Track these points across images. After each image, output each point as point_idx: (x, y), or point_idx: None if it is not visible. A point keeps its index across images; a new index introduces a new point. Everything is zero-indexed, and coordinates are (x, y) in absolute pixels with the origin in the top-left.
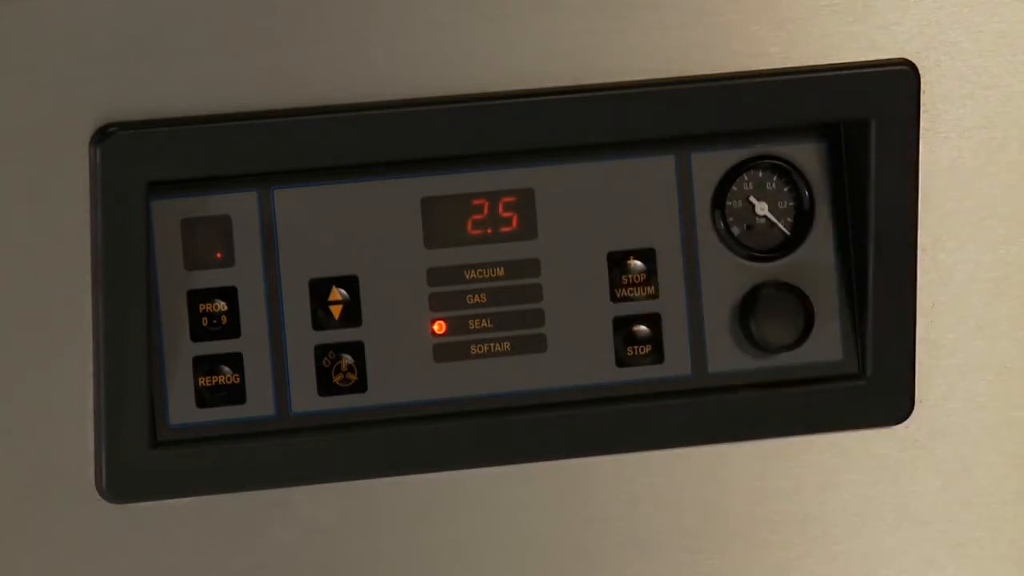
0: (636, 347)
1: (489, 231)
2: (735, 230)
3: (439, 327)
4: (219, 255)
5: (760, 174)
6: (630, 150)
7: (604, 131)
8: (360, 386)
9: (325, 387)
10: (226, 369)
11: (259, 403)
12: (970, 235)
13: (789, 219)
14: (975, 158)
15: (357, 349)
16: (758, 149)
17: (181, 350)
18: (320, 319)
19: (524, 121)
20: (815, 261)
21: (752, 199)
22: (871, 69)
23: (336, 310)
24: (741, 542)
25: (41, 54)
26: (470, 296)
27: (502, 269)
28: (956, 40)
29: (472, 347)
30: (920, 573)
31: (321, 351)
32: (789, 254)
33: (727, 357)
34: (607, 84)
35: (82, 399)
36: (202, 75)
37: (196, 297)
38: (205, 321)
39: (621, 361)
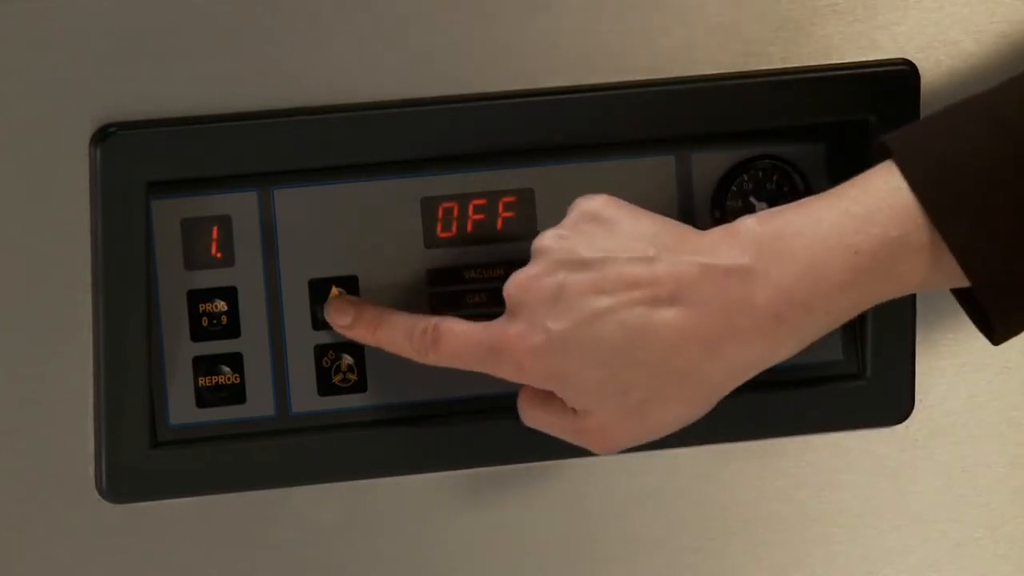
0: None
1: (489, 231)
2: None
3: None
4: (219, 255)
5: (760, 174)
6: (630, 150)
7: (604, 131)
8: (360, 386)
9: (325, 387)
10: (226, 369)
11: (259, 403)
12: None
13: None
14: None
15: (357, 349)
16: (758, 149)
17: (181, 350)
18: (320, 319)
19: (524, 121)
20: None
21: (752, 199)
22: (871, 69)
23: None
24: (741, 542)
25: (41, 54)
26: (470, 296)
27: (502, 269)
28: (956, 40)
29: None
30: (920, 573)
31: (321, 351)
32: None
33: None
34: (607, 84)
35: (82, 399)
36: (202, 75)
37: (196, 297)
38: (205, 321)
39: None
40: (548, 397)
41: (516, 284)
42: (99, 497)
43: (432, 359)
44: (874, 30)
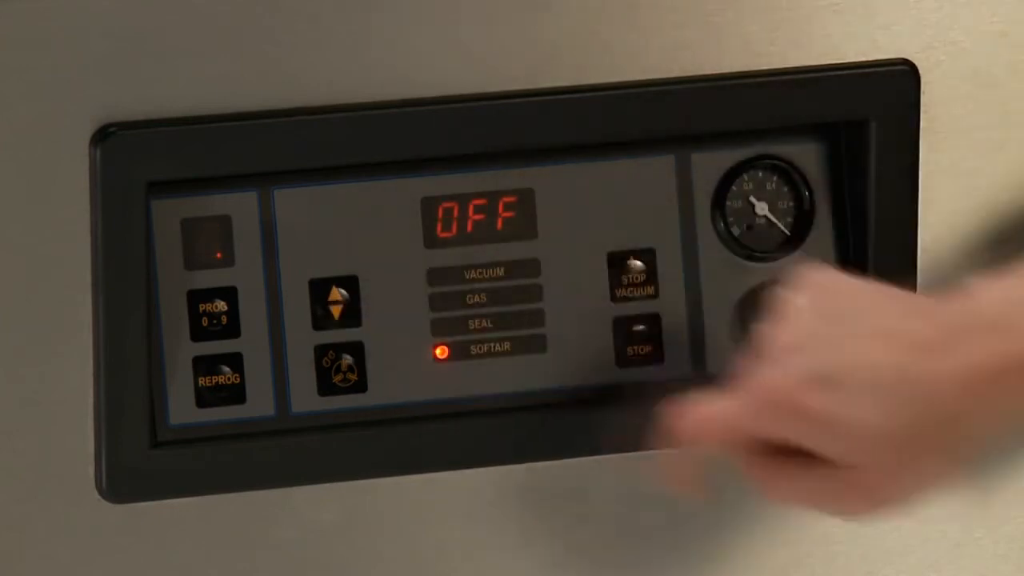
0: (636, 347)
1: (489, 231)
2: (735, 230)
3: (439, 327)
4: (219, 255)
5: (760, 174)
6: (630, 150)
7: (604, 131)
8: (360, 386)
9: (325, 387)
10: (226, 369)
11: (259, 403)
12: (970, 235)
13: (789, 219)
14: (975, 158)
15: (357, 349)
16: (758, 149)
17: (181, 350)
18: (320, 319)
19: (524, 121)
20: (815, 261)
21: (752, 199)
22: (871, 69)
23: (336, 310)
24: (741, 542)
25: (41, 54)
26: (470, 296)
27: (502, 269)
28: (956, 40)
29: (472, 347)
30: (920, 573)
31: (321, 351)
32: (789, 254)
33: (727, 357)
34: (607, 84)
35: (82, 399)
36: (202, 75)
37: (196, 297)
38: (205, 321)
39: (621, 361)
40: (802, 460)
41: (777, 333)
42: (99, 497)
43: (679, 444)
44: (874, 30)
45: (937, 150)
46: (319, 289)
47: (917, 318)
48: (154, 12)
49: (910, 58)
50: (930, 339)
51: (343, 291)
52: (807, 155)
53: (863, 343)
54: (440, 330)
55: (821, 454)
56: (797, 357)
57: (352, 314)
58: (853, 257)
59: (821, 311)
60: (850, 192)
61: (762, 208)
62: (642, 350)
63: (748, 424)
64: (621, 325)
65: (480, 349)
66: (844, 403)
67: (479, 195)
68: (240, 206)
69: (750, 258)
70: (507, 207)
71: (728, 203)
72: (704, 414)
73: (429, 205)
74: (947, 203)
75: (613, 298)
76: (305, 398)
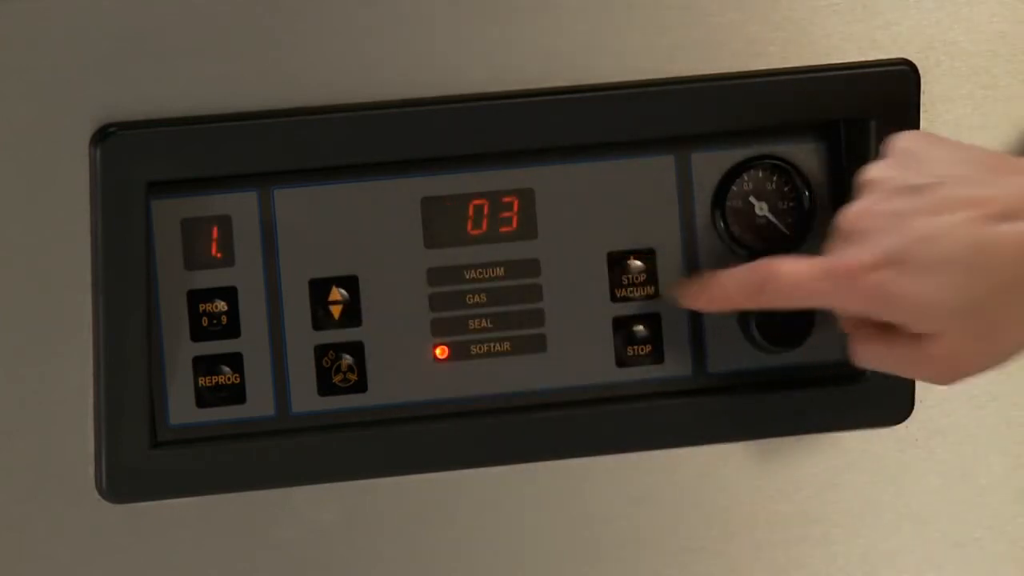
0: (636, 347)
1: (489, 231)
2: (735, 230)
3: (439, 327)
4: (219, 255)
5: (760, 174)
6: (630, 150)
7: (604, 131)
8: (360, 386)
9: (325, 387)
10: (226, 369)
11: (259, 403)
12: None
13: (789, 219)
14: None
15: (357, 349)
16: (758, 149)
17: (181, 350)
18: (320, 319)
19: (524, 121)
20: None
21: (752, 199)
22: (871, 69)
23: (336, 310)
24: (741, 542)
25: (41, 54)
26: (470, 296)
27: (502, 269)
28: (956, 40)
29: (472, 347)
30: (920, 573)
31: (321, 351)
32: (789, 254)
33: (727, 357)
34: (607, 84)
35: (82, 399)
36: (202, 75)
37: (196, 297)
38: (205, 321)
39: (621, 361)
40: (885, 329)
41: (853, 214)
42: (99, 497)
43: (764, 302)
44: (874, 30)
45: None
46: (319, 289)
47: (987, 185)
48: (154, 12)
49: (910, 58)
50: (998, 207)
51: (343, 291)
52: (807, 155)
53: (936, 218)
54: (440, 330)
55: (900, 326)
56: (871, 236)
57: (352, 314)
58: None
59: (898, 185)
60: (850, 192)
61: (762, 208)
62: (642, 350)
63: (827, 301)
64: (621, 325)
65: (480, 349)
66: (915, 282)
67: (479, 195)
68: (240, 206)
69: (750, 258)
70: (507, 207)
71: (728, 203)
72: (790, 274)
73: (429, 205)
74: None
75: (613, 298)
76: (305, 398)
